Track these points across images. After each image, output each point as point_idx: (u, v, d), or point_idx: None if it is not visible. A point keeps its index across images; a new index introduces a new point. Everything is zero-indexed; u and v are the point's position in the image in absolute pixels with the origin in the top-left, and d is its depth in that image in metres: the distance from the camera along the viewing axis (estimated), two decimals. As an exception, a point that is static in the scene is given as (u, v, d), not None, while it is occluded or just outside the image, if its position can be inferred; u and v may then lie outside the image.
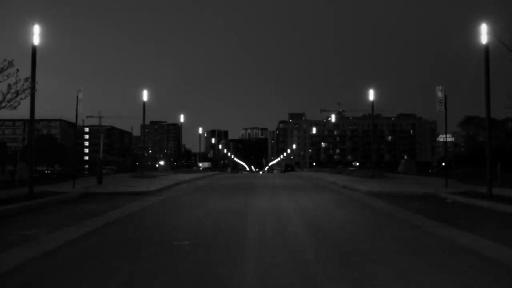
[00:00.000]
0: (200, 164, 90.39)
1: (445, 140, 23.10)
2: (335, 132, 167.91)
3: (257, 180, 31.67)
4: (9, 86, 13.45)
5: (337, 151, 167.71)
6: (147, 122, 36.72)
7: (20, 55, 14.86)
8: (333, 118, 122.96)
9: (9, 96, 13.50)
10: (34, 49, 15.39)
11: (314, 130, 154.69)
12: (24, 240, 7.65)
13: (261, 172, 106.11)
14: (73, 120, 19.88)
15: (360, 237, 8.32)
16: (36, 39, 15.51)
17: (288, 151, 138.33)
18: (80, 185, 18.58)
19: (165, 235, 8.29)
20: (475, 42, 15.83)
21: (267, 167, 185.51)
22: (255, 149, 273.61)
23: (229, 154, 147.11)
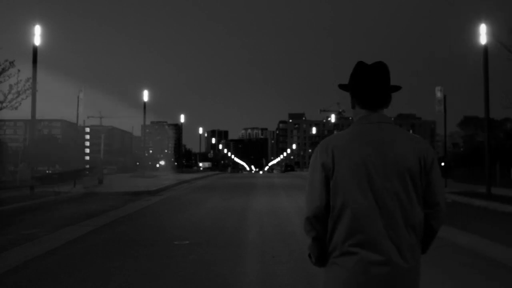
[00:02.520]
0: (201, 164, 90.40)
1: (444, 140, 23.18)
2: (335, 132, 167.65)
3: (257, 180, 31.70)
4: (11, 86, 13.54)
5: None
6: (147, 122, 36.80)
7: (21, 55, 14.93)
8: (333, 118, 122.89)
9: (10, 96, 13.59)
10: (35, 49, 15.45)
11: (314, 130, 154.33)
12: (25, 240, 7.69)
13: (261, 172, 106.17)
14: (74, 120, 19.95)
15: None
16: (37, 40, 15.57)
17: (288, 151, 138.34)
18: (81, 185, 18.62)
19: (165, 235, 8.33)
20: (474, 42, 15.88)
21: (267, 167, 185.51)
22: (255, 149, 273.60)
23: (229, 154, 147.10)
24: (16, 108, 13.95)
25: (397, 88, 2.18)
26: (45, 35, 16.16)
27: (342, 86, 2.20)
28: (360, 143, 2.00)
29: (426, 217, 2.06)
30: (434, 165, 2.06)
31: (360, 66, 2.12)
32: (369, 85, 2.09)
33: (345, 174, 1.97)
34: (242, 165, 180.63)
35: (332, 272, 2.04)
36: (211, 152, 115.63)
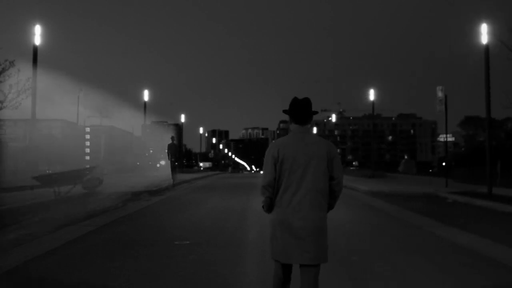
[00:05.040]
0: (201, 164, 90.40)
1: (445, 140, 23.12)
2: (336, 132, 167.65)
3: (258, 180, 31.64)
4: (10, 86, 13.54)
5: (338, 150, 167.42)
6: (148, 121, 36.79)
7: (21, 55, 14.93)
8: (333, 118, 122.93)
9: (10, 96, 13.58)
10: (35, 49, 15.45)
11: (314, 130, 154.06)
12: (25, 240, 7.68)
13: (261, 172, 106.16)
14: (74, 120, 19.92)
15: (359, 236, 8.35)
16: (37, 39, 15.56)
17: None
18: (81, 185, 18.59)
19: (165, 235, 8.32)
20: (474, 42, 15.85)
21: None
22: (256, 149, 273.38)
23: (229, 154, 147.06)
24: (16, 107, 13.95)
25: (315, 112, 3.87)
26: (45, 35, 16.16)
27: (284, 111, 3.83)
28: (292, 144, 3.69)
29: (331, 186, 3.73)
30: (335, 156, 3.75)
31: (294, 100, 3.83)
32: (298, 111, 3.77)
33: (284, 161, 3.64)
34: (243, 165, 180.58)
35: (273, 215, 3.76)
36: (212, 152, 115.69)
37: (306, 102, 3.80)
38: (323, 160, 3.64)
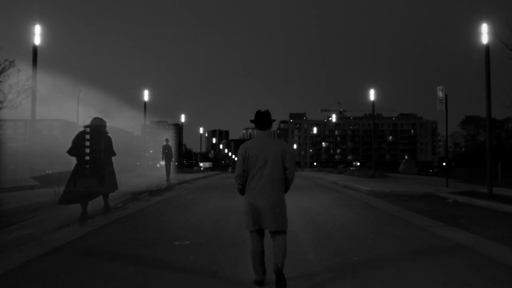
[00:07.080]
0: (201, 164, 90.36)
1: (446, 139, 23.09)
2: (336, 132, 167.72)
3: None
4: (10, 86, 13.52)
5: (338, 151, 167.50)
6: (148, 121, 36.78)
7: (21, 55, 14.91)
8: (334, 118, 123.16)
9: (10, 96, 13.57)
10: (35, 49, 15.43)
11: (315, 130, 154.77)
12: (26, 240, 7.67)
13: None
14: (74, 120, 19.89)
15: (360, 236, 8.33)
16: (37, 39, 15.54)
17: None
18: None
19: (166, 235, 8.31)
20: (475, 41, 15.80)
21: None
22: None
23: (230, 154, 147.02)
24: (16, 107, 13.94)
25: (273, 120, 5.26)
26: (45, 34, 16.14)
27: (251, 120, 5.21)
28: (256, 145, 5.11)
29: (285, 174, 5.15)
30: (288, 153, 5.12)
31: (258, 112, 5.21)
32: (261, 120, 5.18)
33: (250, 157, 5.05)
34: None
35: (245, 197, 5.14)
36: (212, 152, 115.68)
37: (266, 113, 5.21)
38: (279, 156, 5.05)
